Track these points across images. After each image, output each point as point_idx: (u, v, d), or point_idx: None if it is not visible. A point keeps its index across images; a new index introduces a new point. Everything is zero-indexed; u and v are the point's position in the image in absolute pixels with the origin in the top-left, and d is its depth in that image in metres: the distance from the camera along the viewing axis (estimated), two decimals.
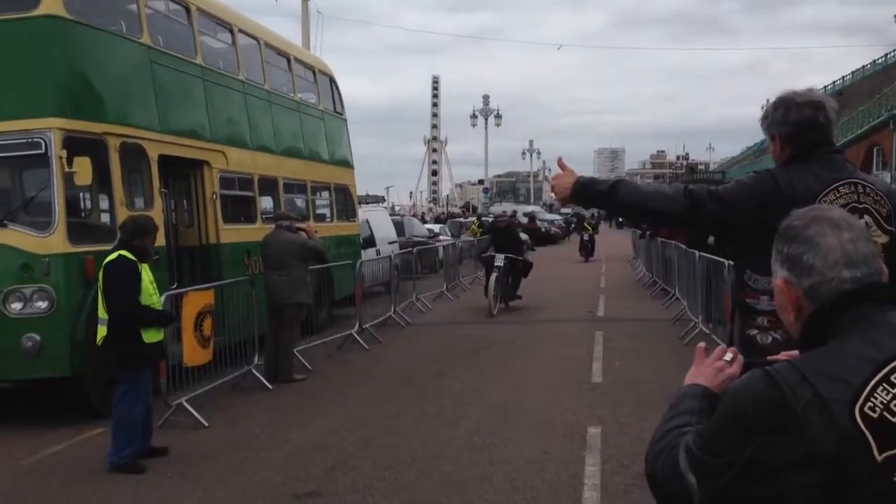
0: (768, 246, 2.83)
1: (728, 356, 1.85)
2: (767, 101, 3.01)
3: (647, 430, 6.74)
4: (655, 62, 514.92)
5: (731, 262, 5.03)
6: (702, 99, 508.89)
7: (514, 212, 47.07)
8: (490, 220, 37.28)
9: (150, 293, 6.20)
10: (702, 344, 1.95)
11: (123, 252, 6.10)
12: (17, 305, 7.21)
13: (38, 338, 7.13)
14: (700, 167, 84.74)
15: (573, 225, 43.42)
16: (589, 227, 30.83)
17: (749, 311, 2.88)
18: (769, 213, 2.75)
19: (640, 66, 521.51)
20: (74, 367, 7.21)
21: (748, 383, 1.52)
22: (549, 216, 50.29)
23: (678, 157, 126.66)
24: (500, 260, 14.61)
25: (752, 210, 2.77)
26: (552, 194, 3.20)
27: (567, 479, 5.50)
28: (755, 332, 2.86)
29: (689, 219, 2.92)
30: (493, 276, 14.38)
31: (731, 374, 1.81)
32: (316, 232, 10.25)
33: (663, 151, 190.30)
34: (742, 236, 2.92)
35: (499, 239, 15.61)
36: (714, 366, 1.84)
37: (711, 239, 11.68)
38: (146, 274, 6.19)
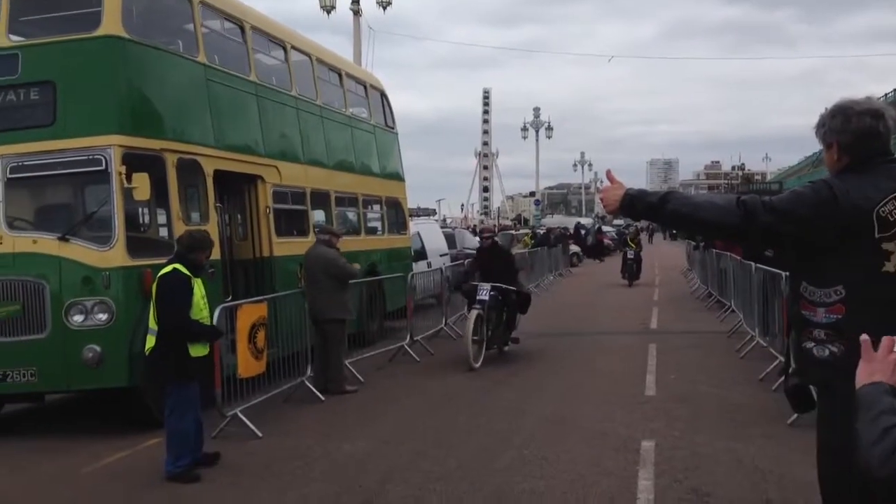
0: (824, 257, 2.78)
1: None
2: (826, 109, 2.95)
3: (701, 443, 6.65)
4: (709, 72, 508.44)
5: (787, 274, 4.92)
6: (757, 108, 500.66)
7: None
8: (543, 231, 37.12)
9: (201, 308, 6.29)
10: (865, 336, 1.84)
11: (178, 266, 6.21)
12: (78, 318, 7.42)
13: (98, 349, 7.32)
14: (756, 177, 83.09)
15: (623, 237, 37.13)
16: (633, 244, 24.36)
17: (805, 324, 2.82)
18: (825, 223, 2.70)
19: (694, 76, 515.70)
20: (133, 378, 7.37)
21: None
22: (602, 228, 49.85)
23: (733, 168, 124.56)
24: (483, 292, 10.70)
25: (807, 220, 2.72)
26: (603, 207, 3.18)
27: (620, 492, 5.43)
28: (812, 344, 2.80)
29: (743, 230, 2.85)
30: (474, 313, 10.55)
31: None
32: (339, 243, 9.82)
33: (718, 162, 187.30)
34: (797, 247, 2.87)
35: (484, 262, 11.45)
36: (888, 360, 1.75)
37: (770, 251, 11.45)
38: (198, 288, 6.29)
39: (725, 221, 2.82)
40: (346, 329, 9.61)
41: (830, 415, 2.79)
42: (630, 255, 23.70)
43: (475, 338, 10.54)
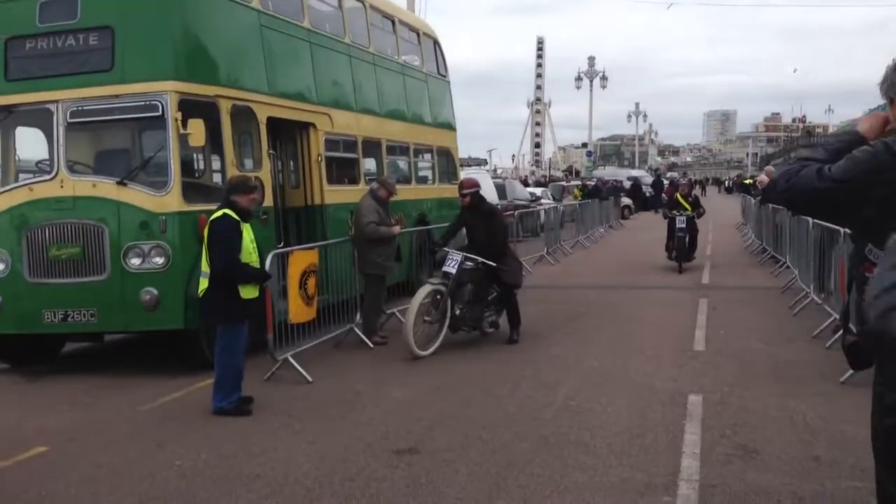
0: (889, 220, 2.69)
1: None
2: (894, 60, 2.83)
3: (750, 399, 6.60)
4: (772, 20, 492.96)
5: (847, 232, 4.79)
6: (821, 59, 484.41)
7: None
8: (592, 183, 36.74)
9: (250, 252, 6.45)
10: None
11: (227, 210, 6.38)
12: (136, 261, 7.62)
13: (155, 292, 7.52)
14: (818, 130, 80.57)
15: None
16: (687, 205, 16.04)
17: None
18: (888, 187, 2.61)
19: (756, 24, 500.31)
20: (188, 321, 7.57)
21: None
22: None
23: (794, 120, 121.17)
24: (452, 263, 8.47)
25: (868, 186, 2.63)
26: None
27: (665, 445, 5.43)
28: None
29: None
30: (427, 288, 8.44)
31: None
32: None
33: (778, 114, 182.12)
34: (860, 213, 2.78)
35: (468, 226, 9.18)
36: None
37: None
38: (247, 233, 6.45)
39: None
40: (384, 282, 9.49)
41: (889, 374, 2.74)
42: (681, 222, 15.71)
43: (427, 318, 8.41)
